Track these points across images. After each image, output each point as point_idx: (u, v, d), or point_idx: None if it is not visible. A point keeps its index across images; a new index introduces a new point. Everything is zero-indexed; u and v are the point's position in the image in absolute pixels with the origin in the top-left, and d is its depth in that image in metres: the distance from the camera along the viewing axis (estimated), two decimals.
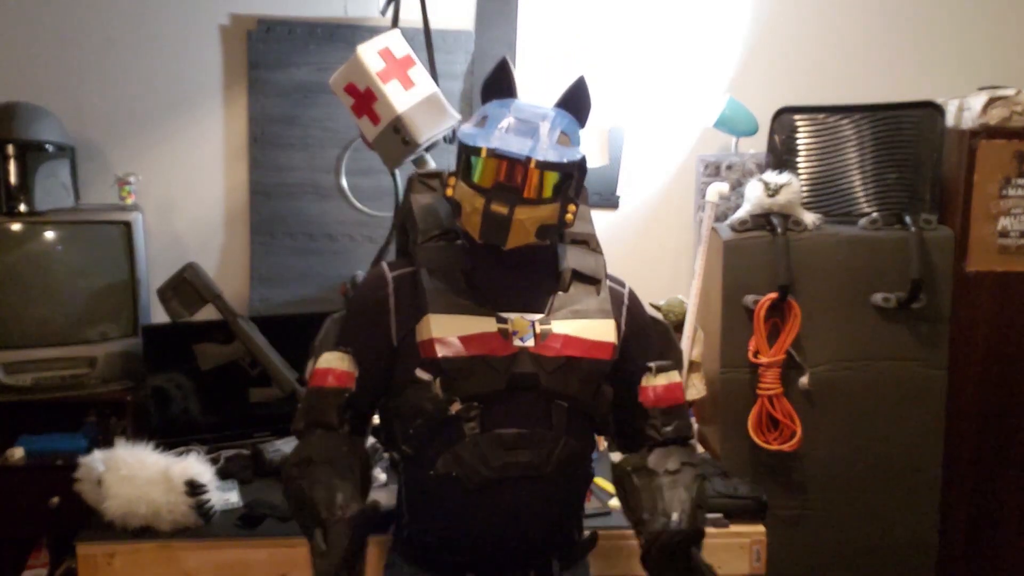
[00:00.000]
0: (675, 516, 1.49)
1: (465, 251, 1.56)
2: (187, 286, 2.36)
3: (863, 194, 2.54)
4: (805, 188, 2.55)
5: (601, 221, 2.79)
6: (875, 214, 2.46)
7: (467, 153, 1.49)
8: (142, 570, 1.96)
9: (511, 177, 1.45)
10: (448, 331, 1.46)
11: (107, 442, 2.41)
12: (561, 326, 1.52)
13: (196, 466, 2.03)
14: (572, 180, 1.52)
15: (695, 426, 2.52)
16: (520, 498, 1.48)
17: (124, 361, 2.50)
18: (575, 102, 1.58)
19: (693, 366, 2.55)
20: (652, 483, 1.56)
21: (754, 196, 2.45)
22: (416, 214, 1.63)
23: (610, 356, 1.57)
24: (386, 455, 2.23)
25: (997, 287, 2.47)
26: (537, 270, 1.58)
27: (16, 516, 2.34)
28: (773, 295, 2.38)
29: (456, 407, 1.46)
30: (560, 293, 1.57)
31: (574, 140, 1.54)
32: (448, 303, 1.49)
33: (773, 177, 2.44)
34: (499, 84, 1.58)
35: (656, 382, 1.63)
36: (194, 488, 1.98)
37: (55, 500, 2.31)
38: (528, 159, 1.43)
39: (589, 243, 1.68)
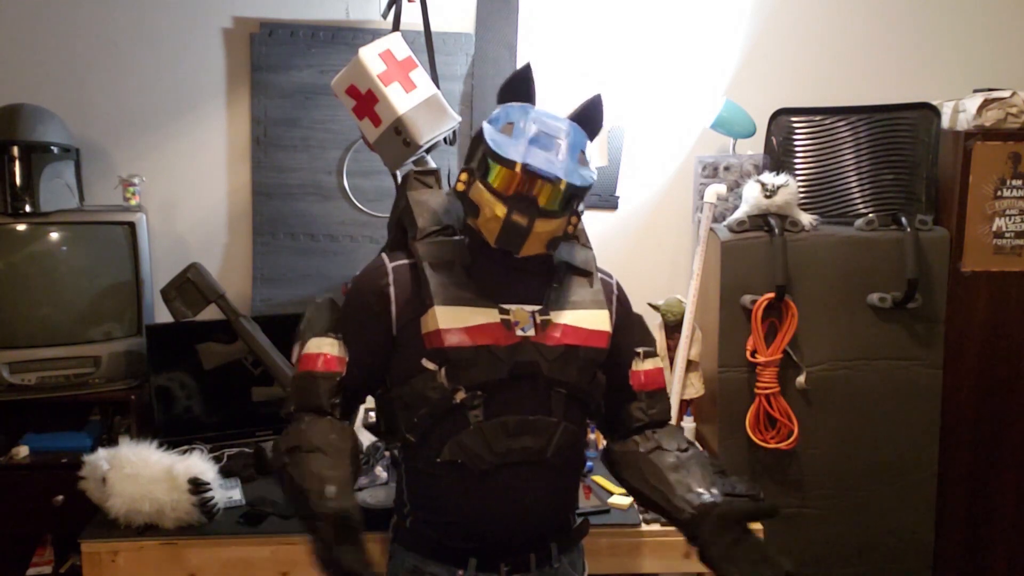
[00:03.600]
0: (713, 490, 1.55)
1: (464, 247, 1.59)
2: (190, 286, 2.39)
3: (859, 195, 2.56)
4: (802, 189, 2.57)
5: (600, 222, 2.83)
6: (871, 215, 2.48)
7: (488, 156, 1.50)
8: (146, 567, 1.97)
9: (530, 188, 1.48)
10: (454, 322, 1.49)
11: (111, 441, 2.44)
12: (560, 316, 1.56)
13: (199, 464, 2.05)
14: (579, 196, 1.55)
15: (693, 424, 2.54)
16: (522, 483, 1.52)
17: (128, 360, 2.51)
18: (589, 119, 1.61)
19: (691, 365, 2.57)
20: (673, 461, 1.61)
21: (752, 197, 2.47)
22: (414, 210, 1.65)
23: (606, 344, 1.61)
24: (387, 453, 2.25)
25: (992, 287, 2.50)
26: (532, 264, 1.61)
27: (21, 514, 2.36)
28: (770, 295, 2.40)
29: (460, 395, 1.49)
30: (555, 285, 1.60)
31: (587, 158, 1.57)
32: (452, 296, 1.52)
33: (770, 178, 2.46)
34: (519, 88, 1.60)
35: (644, 366, 1.70)
36: (197, 486, 1.99)
37: (60, 498, 2.33)
38: (558, 179, 1.46)
39: (579, 238, 1.72)
